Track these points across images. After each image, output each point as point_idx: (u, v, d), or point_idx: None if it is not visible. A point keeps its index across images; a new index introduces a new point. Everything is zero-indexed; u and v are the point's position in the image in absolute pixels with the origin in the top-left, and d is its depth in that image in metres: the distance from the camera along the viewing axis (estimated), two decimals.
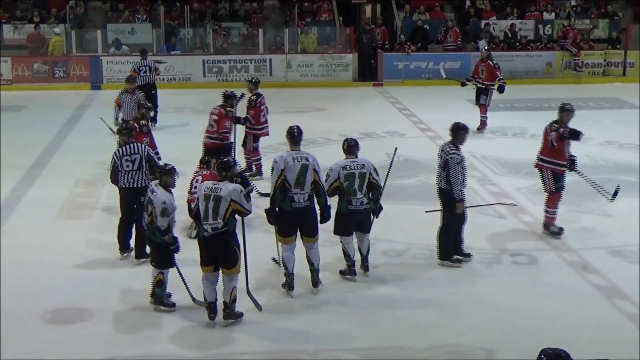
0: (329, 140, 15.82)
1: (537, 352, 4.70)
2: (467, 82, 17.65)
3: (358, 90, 23.16)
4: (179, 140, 15.63)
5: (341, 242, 9.34)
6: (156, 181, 8.64)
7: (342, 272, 9.40)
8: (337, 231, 9.32)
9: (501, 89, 17.27)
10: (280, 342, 7.88)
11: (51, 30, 24.64)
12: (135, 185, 9.76)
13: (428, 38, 25.29)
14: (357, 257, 9.38)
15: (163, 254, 8.41)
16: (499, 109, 19.37)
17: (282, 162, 8.77)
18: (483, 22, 25.58)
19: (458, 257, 9.73)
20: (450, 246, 9.73)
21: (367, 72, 24.51)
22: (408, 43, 24.69)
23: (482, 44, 22.52)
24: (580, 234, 10.85)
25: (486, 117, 17.25)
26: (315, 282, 8.99)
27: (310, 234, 8.93)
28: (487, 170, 13.85)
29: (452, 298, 8.86)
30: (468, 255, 9.83)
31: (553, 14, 26.23)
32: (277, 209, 8.80)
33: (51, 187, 13.10)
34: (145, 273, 9.43)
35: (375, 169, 9.23)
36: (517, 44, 25.03)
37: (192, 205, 8.60)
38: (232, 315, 8.20)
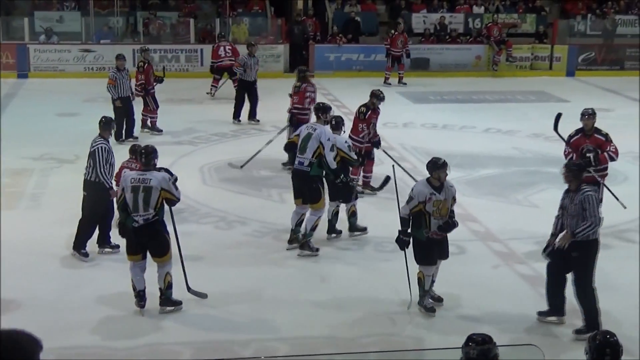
0: (262, 132, 15.80)
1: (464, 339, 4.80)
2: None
3: (289, 82, 22.71)
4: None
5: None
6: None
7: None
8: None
9: (376, 145, 12.31)
10: (212, 331, 7.88)
11: None
12: None
13: (360, 30, 25.38)
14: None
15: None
16: (429, 101, 19.58)
17: (300, 129, 10.33)
18: (414, 15, 25.74)
19: None
20: None
21: (299, 64, 24.36)
22: (340, 35, 24.75)
23: None
24: (508, 224, 11.02)
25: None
26: (303, 245, 9.81)
27: (308, 200, 9.84)
28: (417, 162, 13.95)
29: (391, 289, 8.97)
30: None
31: (482, 7, 26.51)
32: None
33: None
34: (74, 264, 9.38)
35: (332, 139, 9.86)
36: (447, 37, 25.25)
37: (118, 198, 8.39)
38: (168, 302, 8.17)
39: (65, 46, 23.48)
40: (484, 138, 16.18)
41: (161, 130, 15.89)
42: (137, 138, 14.70)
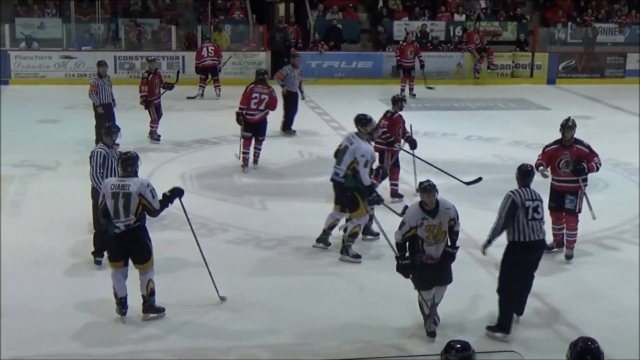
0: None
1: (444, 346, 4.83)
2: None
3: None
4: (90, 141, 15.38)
5: None
6: None
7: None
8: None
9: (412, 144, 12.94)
10: (193, 338, 7.87)
11: None
12: None
13: (341, 38, 25.43)
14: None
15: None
16: (411, 108, 19.53)
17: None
18: (395, 23, 25.80)
19: None
20: None
21: None
22: (321, 42, 24.79)
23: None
24: (488, 231, 11.01)
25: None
26: (342, 250, 9.94)
27: (347, 208, 9.94)
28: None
29: (369, 294, 8.99)
30: None
31: (464, 15, 26.61)
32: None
33: None
34: (54, 271, 9.34)
35: (367, 155, 9.76)
36: (429, 44, 25.30)
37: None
38: (151, 309, 8.16)
39: (47, 53, 23.40)
40: (465, 145, 16.24)
41: (158, 140, 15.81)
42: (118, 145, 14.61)
